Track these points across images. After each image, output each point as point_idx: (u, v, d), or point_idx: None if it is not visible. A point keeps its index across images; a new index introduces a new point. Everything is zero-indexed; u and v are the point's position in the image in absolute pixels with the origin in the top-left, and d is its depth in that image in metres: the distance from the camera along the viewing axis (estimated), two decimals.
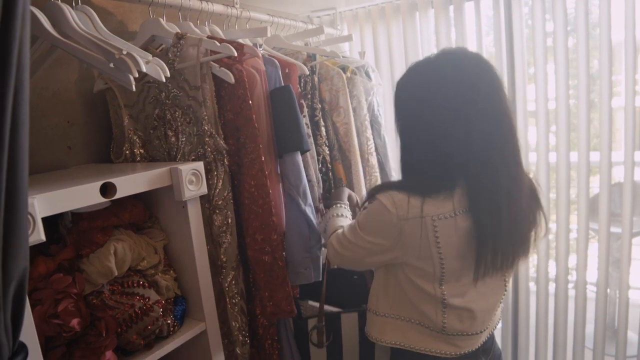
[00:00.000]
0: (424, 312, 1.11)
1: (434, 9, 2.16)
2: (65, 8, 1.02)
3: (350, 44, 2.31)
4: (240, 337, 1.27)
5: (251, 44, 1.45)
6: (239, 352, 1.29)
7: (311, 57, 1.67)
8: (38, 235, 0.78)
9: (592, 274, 2.10)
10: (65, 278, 0.93)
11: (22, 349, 0.73)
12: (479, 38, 2.07)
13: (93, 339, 0.91)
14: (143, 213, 1.12)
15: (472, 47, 2.11)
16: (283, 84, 1.35)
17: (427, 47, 2.20)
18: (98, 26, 1.10)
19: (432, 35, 2.19)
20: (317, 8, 2.24)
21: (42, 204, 0.81)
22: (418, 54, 2.20)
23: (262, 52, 1.40)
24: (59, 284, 0.92)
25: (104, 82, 1.27)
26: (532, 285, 2.24)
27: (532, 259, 2.22)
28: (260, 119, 1.26)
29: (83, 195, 0.89)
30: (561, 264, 2.11)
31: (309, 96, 1.62)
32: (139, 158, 1.26)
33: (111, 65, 0.96)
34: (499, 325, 1.89)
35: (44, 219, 0.81)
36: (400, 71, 2.24)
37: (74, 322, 0.88)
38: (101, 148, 1.35)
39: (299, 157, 1.32)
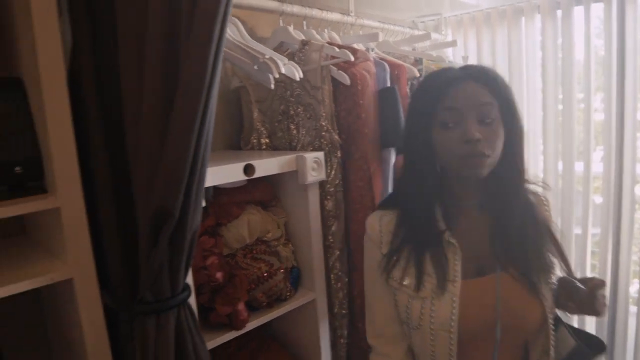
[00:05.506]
0: None
1: (540, 14, 2.17)
2: None
3: (453, 48, 2.38)
4: (343, 311, 1.43)
5: (364, 49, 1.60)
6: (337, 324, 1.45)
7: (418, 61, 1.78)
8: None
9: None
10: (210, 240, 1.15)
11: (187, 287, 0.94)
12: (587, 42, 2.04)
13: (231, 290, 1.11)
14: (270, 193, 1.32)
15: (579, 51, 2.09)
16: (391, 85, 1.49)
17: (531, 53, 2.21)
18: (243, 34, 1.31)
19: (538, 40, 2.20)
20: (423, 14, 2.34)
21: None
22: (522, 59, 2.22)
23: (373, 55, 1.54)
24: (205, 244, 1.13)
25: (239, 80, 1.49)
26: (633, 308, 2.16)
27: None
28: (369, 118, 1.40)
29: (230, 172, 1.10)
30: None
31: None
32: (264, 147, 1.46)
33: (255, 67, 1.16)
34: None
35: None
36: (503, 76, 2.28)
37: (219, 275, 1.09)
38: (231, 137, 1.58)
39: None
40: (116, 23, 0.85)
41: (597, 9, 2.04)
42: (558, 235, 1.01)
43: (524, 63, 2.22)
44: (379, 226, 1.00)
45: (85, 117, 0.91)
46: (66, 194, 0.87)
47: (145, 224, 0.82)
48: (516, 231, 0.93)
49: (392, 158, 1.46)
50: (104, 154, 0.93)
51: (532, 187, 1.01)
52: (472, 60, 2.32)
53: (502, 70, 2.27)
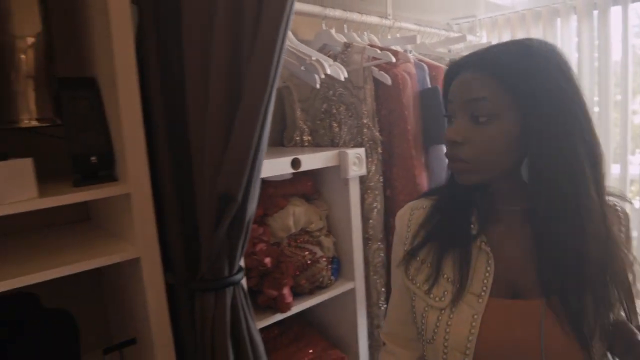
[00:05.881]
0: None
1: (576, 14, 2.18)
2: None
3: None
4: (380, 302, 1.49)
5: (402, 50, 1.66)
6: (374, 314, 1.51)
7: None
8: None
9: None
10: (259, 228, 1.23)
11: (241, 269, 1.03)
12: (625, 41, 2.05)
13: (278, 275, 1.20)
14: (312, 187, 1.40)
15: (616, 50, 2.10)
16: (430, 85, 1.55)
17: (567, 54, 2.22)
18: (290, 37, 1.39)
19: (574, 41, 2.21)
20: (458, 16, 2.39)
21: None
22: None
23: (412, 57, 1.61)
24: (255, 232, 1.22)
25: (282, 80, 1.58)
26: None
27: None
28: (410, 116, 1.46)
29: (279, 166, 1.18)
30: None
31: None
32: (306, 144, 1.54)
33: (302, 68, 1.24)
34: None
35: None
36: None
37: (267, 260, 1.18)
38: (274, 134, 1.66)
39: (444, 150, 1.50)
40: (181, 22, 0.95)
41: (637, 8, 2.04)
42: (633, 267, 0.77)
43: None
44: (407, 220, 0.90)
45: (150, 112, 1.01)
46: (136, 181, 0.97)
47: (209, 209, 0.91)
48: (571, 254, 0.73)
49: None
50: (167, 146, 1.02)
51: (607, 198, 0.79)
52: None
53: None
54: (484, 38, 2.44)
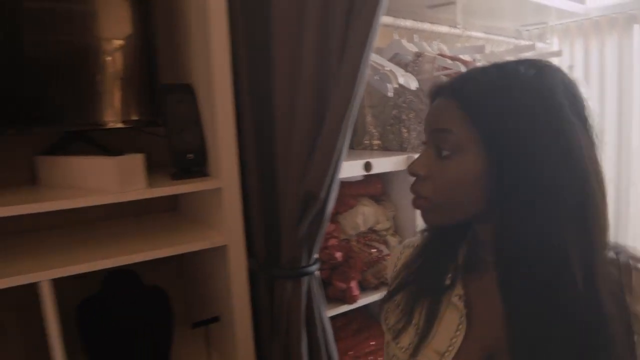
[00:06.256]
0: None
1: None
2: None
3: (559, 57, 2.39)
4: None
5: (471, 60, 1.70)
6: None
7: None
8: None
9: None
10: (330, 225, 1.33)
11: (317, 260, 1.13)
12: None
13: (347, 269, 1.29)
14: (380, 189, 1.48)
15: None
16: None
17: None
18: None
19: None
20: (529, 22, 2.38)
21: None
22: (633, 69, 2.18)
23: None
24: (327, 228, 1.32)
25: None
26: None
27: None
28: None
29: (352, 168, 1.28)
30: None
31: None
32: (375, 147, 1.62)
33: (376, 77, 1.33)
34: None
35: None
36: (611, 87, 2.24)
37: (338, 254, 1.27)
38: None
39: None
40: (271, 32, 1.06)
41: None
42: None
43: (635, 72, 2.17)
44: (396, 259, 0.83)
45: (241, 116, 1.13)
46: (227, 177, 1.09)
47: (293, 205, 1.01)
48: (544, 333, 0.58)
49: None
50: (255, 147, 1.14)
51: (623, 258, 0.62)
52: (578, 70, 2.32)
53: (610, 81, 2.24)
54: (555, 45, 2.41)
